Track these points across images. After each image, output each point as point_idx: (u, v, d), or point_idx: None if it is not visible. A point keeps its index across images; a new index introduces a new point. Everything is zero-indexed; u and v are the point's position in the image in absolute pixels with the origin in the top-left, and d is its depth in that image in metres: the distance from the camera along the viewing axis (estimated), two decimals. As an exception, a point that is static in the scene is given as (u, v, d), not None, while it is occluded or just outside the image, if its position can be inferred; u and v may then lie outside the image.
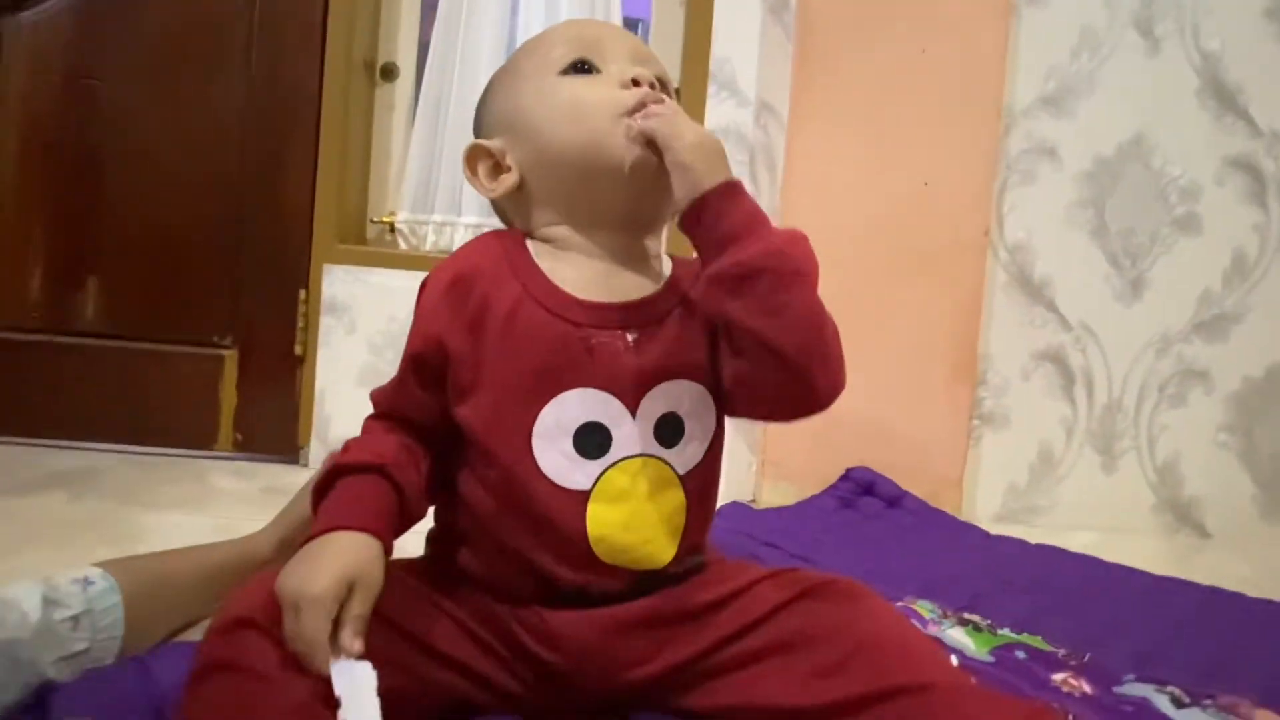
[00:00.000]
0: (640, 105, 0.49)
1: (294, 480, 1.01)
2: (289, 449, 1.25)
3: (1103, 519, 1.27)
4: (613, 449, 0.48)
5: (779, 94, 1.26)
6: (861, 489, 1.17)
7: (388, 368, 1.26)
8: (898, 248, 1.24)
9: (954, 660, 0.56)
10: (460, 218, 1.34)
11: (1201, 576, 0.99)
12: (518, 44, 1.27)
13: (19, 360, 1.23)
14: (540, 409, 0.48)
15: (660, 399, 0.49)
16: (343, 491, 0.46)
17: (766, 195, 1.27)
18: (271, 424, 1.25)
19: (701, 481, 0.51)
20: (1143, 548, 1.18)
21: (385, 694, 0.39)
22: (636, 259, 0.53)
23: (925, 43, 1.21)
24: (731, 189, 0.47)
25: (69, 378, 1.23)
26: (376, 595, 0.42)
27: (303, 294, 1.26)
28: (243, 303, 1.26)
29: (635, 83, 0.50)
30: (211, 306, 1.25)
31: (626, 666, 0.48)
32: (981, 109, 1.23)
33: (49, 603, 0.51)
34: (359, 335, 1.25)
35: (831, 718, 0.45)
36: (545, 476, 0.47)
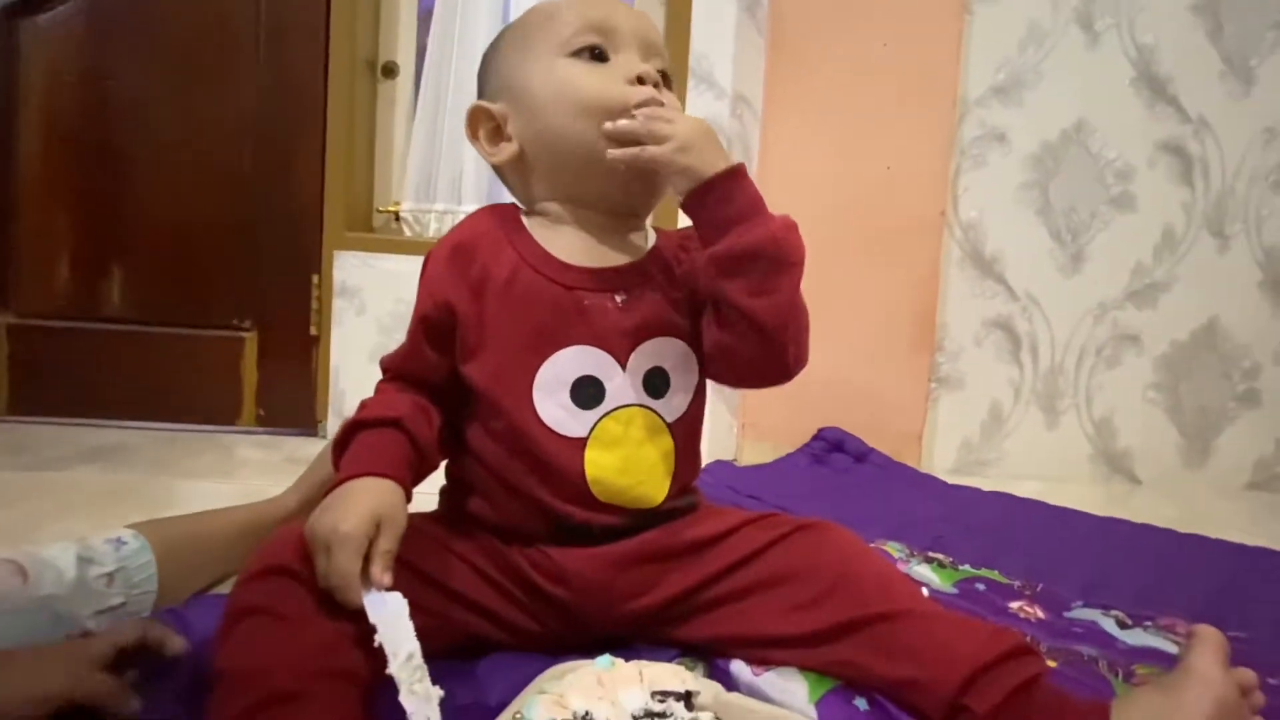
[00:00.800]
0: (645, 103, 0.46)
1: (313, 451, 0.99)
2: (308, 422, 1.23)
3: (1045, 469, 1.28)
4: (606, 400, 0.48)
5: (753, 87, 1.24)
6: (832, 446, 1.17)
7: (396, 345, 1.25)
8: (863, 228, 1.23)
9: (925, 591, 0.56)
10: (460, 206, 1.31)
11: (1133, 518, 1.00)
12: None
13: (52, 345, 1.20)
14: (539, 365, 0.47)
15: (648, 354, 0.49)
16: (363, 443, 0.45)
17: (743, 181, 1.25)
18: (291, 400, 1.23)
19: (687, 429, 0.51)
20: (1081, 494, 1.20)
21: None
22: (624, 232, 0.52)
23: (886, 38, 1.20)
24: (735, 175, 0.46)
25: (100, 360, 1.20)
26: (401, 533, 0.41)
27: (315, 279, 1.23)
28: (260, 288, 1.23)
29: (640, 80, 0.48)
30: (230, 292, 1.22)
31: (626, 599, 0.47)
32: (938, 99, 1.22)
33: (84, 561, 0.50)
34: (369, 316, 1.23)
35: (813, 644, 0.45)
36: (546, 426, 0.47)
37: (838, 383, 1.23)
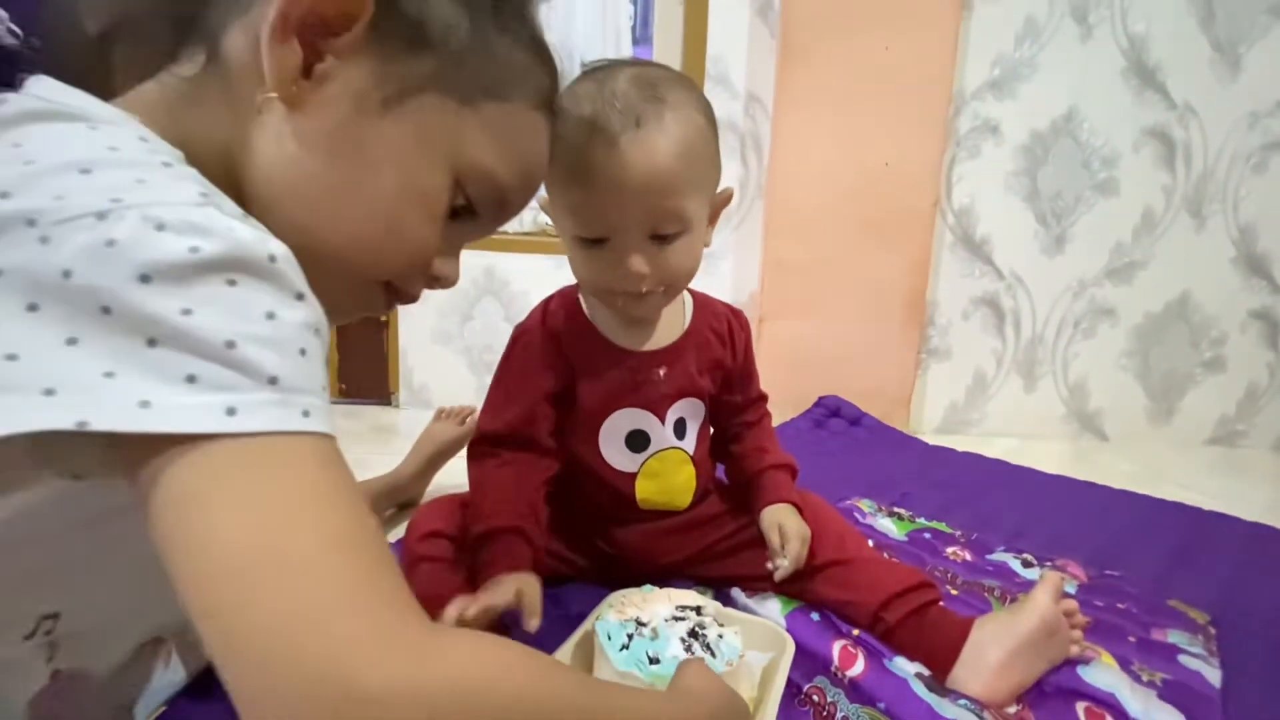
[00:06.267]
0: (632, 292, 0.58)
1: (392, 420, 1.21)
2: (383, 394, 1.47)
3: (1022, 428, 1.48)
4: (651, 445, 0.69)
5: (765, 87, 1.37)
6: (830, 412, 1.37)
7: (453, 329, 1.46)
8: (864, 216, 1.39)
9: (870, 543, 0.78)
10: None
11: (1095, 472, 1.20)
12: None
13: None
14: (603, 422, 0.67)
15: (678, 410, 0.69)
16: (500, 549, 0.60)
17: (755, 176, 1.41)
18: (367, 375, 1.47)
19: (701, 458, 0.72)
20: (1053, 450, 1.39)
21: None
22: (660, 316, 0.67)
23: (889, 40, 1.32)
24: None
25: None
26: (538, 600, 0.57)
27: (381, 271, 1.43)
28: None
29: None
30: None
31: (660, 555, 0.71)
32: (936, 95, 1.34)
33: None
34: (429, 303, 1.44)
35: (787, 581, 0.67)
36: (609, 464, 0.68)
37: (837, 355, 1.42)
